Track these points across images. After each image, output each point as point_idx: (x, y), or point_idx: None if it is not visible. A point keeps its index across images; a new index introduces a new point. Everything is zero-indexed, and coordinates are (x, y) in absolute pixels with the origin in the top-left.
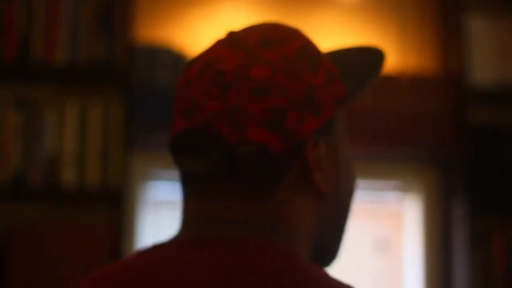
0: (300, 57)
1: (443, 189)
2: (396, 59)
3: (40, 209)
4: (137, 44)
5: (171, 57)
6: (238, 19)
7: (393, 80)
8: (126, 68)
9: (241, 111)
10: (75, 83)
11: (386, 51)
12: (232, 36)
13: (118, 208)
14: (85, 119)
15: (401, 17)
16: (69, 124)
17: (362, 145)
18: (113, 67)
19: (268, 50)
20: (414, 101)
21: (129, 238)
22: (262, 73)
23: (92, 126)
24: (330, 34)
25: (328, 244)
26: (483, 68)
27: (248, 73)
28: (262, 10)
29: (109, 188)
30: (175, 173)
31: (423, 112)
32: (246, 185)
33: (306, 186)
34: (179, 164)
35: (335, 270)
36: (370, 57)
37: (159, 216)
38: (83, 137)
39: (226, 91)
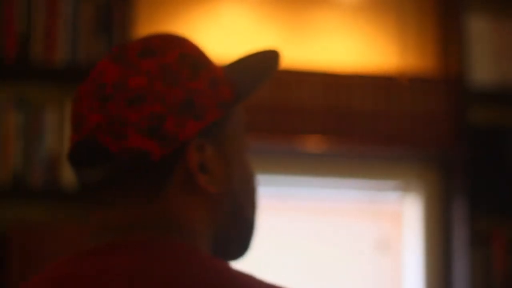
0: (179, 64)
1: (443, 189)
2: (396, 59)
3: (40, 209)
4: None
5: None
6: (238, 19)
7: (393, 80)
8: None
9: (121, 121)
10: (75, 83)
11: (388, 55)
12: (116, 50)
13: None
14: None
15: (401, 17)
16: (69, 124)
17: (362, 145)
18: None
19: (148, 59)
20: (414, 101)
21: None
22: (139, 83)
23: None
24: (330, 34)
25: (231, 239)
26: (483, 68)
27: (126, 83)
28: (262, 10)
29: None
30: None
31: (423, 112)
32: (133, 191)
33: (193, 188)
34: (75, 176)
35: (335, 270)
36: (263, 57)
37: None
38: None
39: (106, 103)
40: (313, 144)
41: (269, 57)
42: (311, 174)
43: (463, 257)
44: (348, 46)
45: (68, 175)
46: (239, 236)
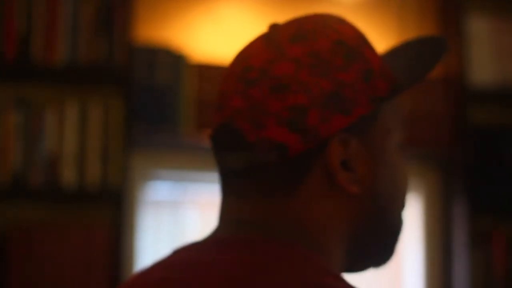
0: (332, 52)
1: (443, 189)
2: None
3: (40, 209)
4: (137, 44)
5: (170, 57)
6: (238, 19)
7: None
8: (125, 68)
9: (262, 109)
10: (75, 83)
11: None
12: (270, 30)
13: (118, 208)
14: (85, 119)
15: (401, 17)
16: (69, 124)
17: None
18: (113, 67)
19: (298, 45)
20: (414, 101)
21: (129, 238)
22: (286, 70)
23: (92, 126)
24: None
25: (367, 248)
26: (483, 68)
27: (272, 69)
28: (262, 10)
29: (109, 188)
30: (175, 173)
31: (423, 112)
32: (265, 186)
33: (332, 187)
34: (215, 158)
35: None
36: (428, 45)
37: (159, 216)
38: (83, 137)
39: (249, 87)
40: None
41: (435, 45)
42: None
43: (463, 257)
44: None
45: (68, 175)
46: (379, 243)
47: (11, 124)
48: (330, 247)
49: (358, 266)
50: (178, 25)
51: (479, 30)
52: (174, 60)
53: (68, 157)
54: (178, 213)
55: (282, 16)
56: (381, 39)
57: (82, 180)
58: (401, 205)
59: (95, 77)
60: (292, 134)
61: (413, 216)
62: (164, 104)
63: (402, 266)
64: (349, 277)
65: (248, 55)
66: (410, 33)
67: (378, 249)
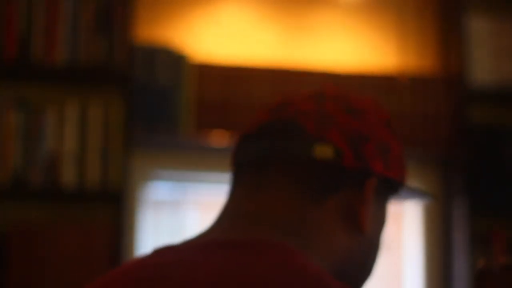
0: (386, 122)
1: (443, 189)
2: (396, 59)
3: (40, 209)
4: (137, 44)
5: (171, 57)
6: (238, 19)
7: (393, 80)
8: (126, 68)
9: (330, 118)
10: (75, 83)
11: (388, 55)
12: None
13: (118, 208)
14: (85, 119)
15: (401, 17)
16: (69, 124)
17: None
18: (113, 67)
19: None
20: (414, 101)
21: (129, 238)
22: (362, 105)
23: (92, 126)
24: (330, 34)
25: (346, 279)
26: (483, 68)
27: (349, 100)
28: (262, 10)
29: (109, 188)
30: (175, 173)
31: (423, 112)
32: (300, 185)
33: (347, 217)
34: (243, 153)
35: None
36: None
37: (159, 216)
38: (83, 137)
39: (325, 101)
40: None
41: (422, 191)
42: None
43: (463, 257)
44: (348, 46)
45: (68, 175)
46: (351, 280)
47: (11, 124)
48: (326, 263)
49: None
50: (179, 25)
51: (479, 30)
52: (175, 60)
53: (68, 157)
54: (178, 213)
55: (281, 16)
56: (381, 39)
57: (82, 180)
58: (374, 266)
59: (95, 77)
60: (349, 149)
61: (413, 216)
62: (164, 104)
63: (402, 266)
64: None
65: (316, 90)
66: (410, 33)
67: (353, 283)
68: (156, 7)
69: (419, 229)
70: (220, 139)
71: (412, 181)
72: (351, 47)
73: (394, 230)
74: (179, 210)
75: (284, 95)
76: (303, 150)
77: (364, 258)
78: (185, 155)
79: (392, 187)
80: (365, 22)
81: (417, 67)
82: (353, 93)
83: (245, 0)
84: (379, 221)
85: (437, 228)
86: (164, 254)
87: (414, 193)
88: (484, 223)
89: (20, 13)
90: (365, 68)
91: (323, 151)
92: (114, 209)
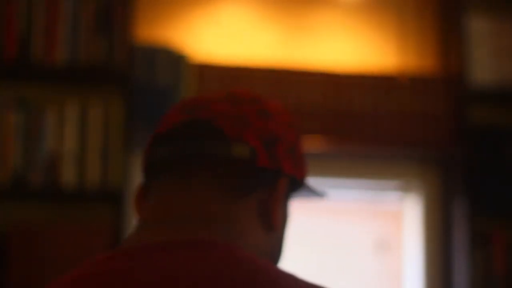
0: (291, 125)
1: (443, 189)
2: (396, 59)
3: (40, 209)
4: (137, 44)
5: (171, 57)
6: (238, 19)
7: (393, 80)
8: (126, 68)
9: (246, 119)
10: (75, 83)
11: (388, 55)
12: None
13: (118, 208)
14: (85, 119)
15: (401, 17)
16: (69, 124)
17: (362, 145)
18: (113, 67)
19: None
20: (414, 101)
21: None
22: (271, 108)
23: (92, 126)
24: (330, 34)
25: None
26: (483, 68)
27: (260, 102)
28: (262, 10)
29: (109, 188)
30: None
31: (423, 112)
32: (224, 182)
33: (264, 211)
34: (161, 152)
35: (335, 270)
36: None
37: None
38: (83, 137)
39: (238, 102)
40: (313, 144)
41: (315, 190)
42: (311, 174)
43: (463, 257)
44: (348, 46)
45: (68, 175)
46: None
47: (11, 124)
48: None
49: None
50: (179, 25)
51: (479, 30)
52: (175, 60)
53: (68, 157)
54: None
55: (281, 16)
56: (381, 39)
57: (82, 180)
58: (280, 258)
59: (95, 77)
60: (263, 149)
61: (413, 216)
62: (164, 104)
63: (402, 266)
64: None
65: (228, 92)
66: (410, 33)
67: None
68: (156, 7)
69: (419, 229)
70: None
71: (412, 181)
72: (351, 47)
73: (394, 230)
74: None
75: (196, 95)
76: (221, 150)
77: (275, 252)
78: None
79: (296, 185)
80: (365, 22)
81: (417, 67)
82: (263, 96)
83: (245, 0)
84: (285, 218)
85: (437, 228)
86: (99, 263)
87: (311, 191)
88: (484, 223)
89: (20, 13)
90: (365, 68)
91: (240, 151)
92: (114, 209)
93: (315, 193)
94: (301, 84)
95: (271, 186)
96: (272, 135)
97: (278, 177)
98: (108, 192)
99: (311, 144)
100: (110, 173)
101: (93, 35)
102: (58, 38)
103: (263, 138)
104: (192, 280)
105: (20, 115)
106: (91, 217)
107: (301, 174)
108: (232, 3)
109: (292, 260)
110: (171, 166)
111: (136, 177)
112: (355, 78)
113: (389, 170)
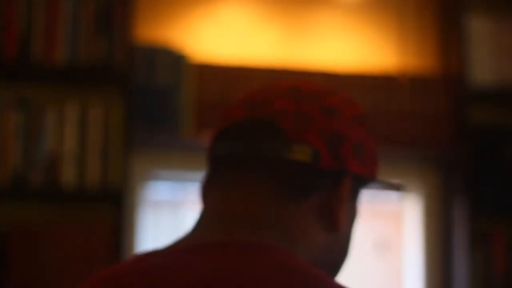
0: (361, 118)
1: (443, 189)
2: (396, 59)
3: (40, 209)
4: (137, 44)
5: (171, 57)
6: (238, 19)
7: (393, 80)
8: (126, 68)
9: (308, 118)
10: (75, 83)
11: (388, 55)
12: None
13: (118, 208)
14: (85, 119)
15: (401, 17)
16: (69, 124)
17: None
18: (113, 67)
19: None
20: (414, 101)
21: (129, 238)
22: (336, 103)
23: (92, 126)
24: (330, 34)
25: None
26: (483, 68)
27: (324, 97)
28: (262, 10)
29: (109, 188)
30: (175, 173)
31: (423, 112)
32: (282, 182)
33: (326, 211)
34: (222, 149)
35: None
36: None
37: (159, 216)
38: (83, 137)
39: (300, 99)
40: None
41: (393, 183)
42: None
43: (463, 257)
44: (348, 46)
45: (68, 175)
46: (328, 274)
47: (11, 124)
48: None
49: None
50: (179, 25)
51: (479, 30)
52: (175, 60)
53: (68, 157)
54: (178, 213)
55: (281, 16)
56: (381, 39)
57: (82, 180)
58: (343, 264)
59: (95, 77)
60: (327, 150)
61: (413, 216)
62: (164, 104)
63: (402, 266)
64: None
65: (291, 83)
66: (410, 33)
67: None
68: (156, 7)
69: (419, 229)
70: None
71: (412, 181)
72: (351, 47)
73: (394, 230)
74: (179, 210)
75: (256, 89)
76: (282, 152)
77: (340, 253)
78: (185, 155)
79: (365, 183)
80: (365, 22)
81: (417, 67)
82: (327, 89)
83: (245, 0)
84: (352, 217)
85: (437, 228)
86: (147, 259)
87: (386, 185)
88: (484, 223)
89: (20, 13)
90: (365, 68)
91: (302, 153)
92: (114, 209)
93: (390, 186)
94: None
95: (334, 186)
96: (336, 133)
97: (342, 177)
98: (108, 192)
99: None
100: (110, 173)
101: (93, 35)
102: (58, 38)
103: (327, 137)
104: (238, 283)
105: (20, 115)
106: (91, 217)
107: (370, 171)
108: (232, 3)
109: None
110: (231, 164)
111: (136, 177)
112: (355, 78)
113: (389, 170)
